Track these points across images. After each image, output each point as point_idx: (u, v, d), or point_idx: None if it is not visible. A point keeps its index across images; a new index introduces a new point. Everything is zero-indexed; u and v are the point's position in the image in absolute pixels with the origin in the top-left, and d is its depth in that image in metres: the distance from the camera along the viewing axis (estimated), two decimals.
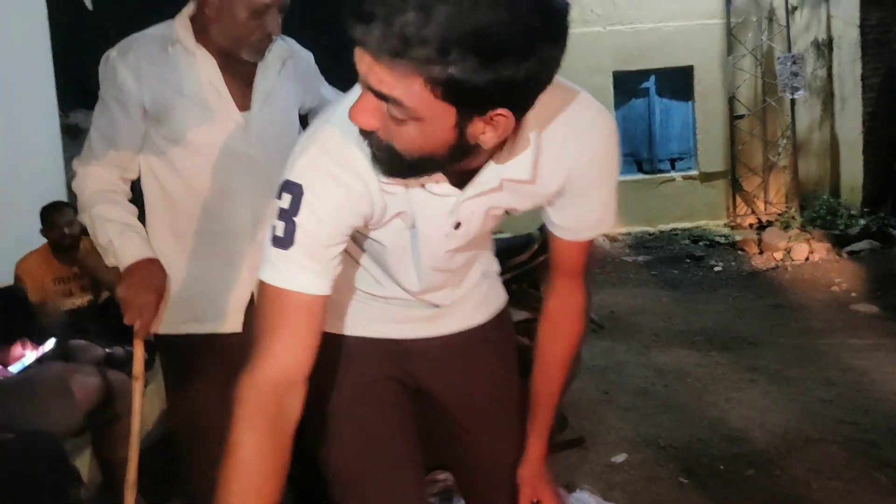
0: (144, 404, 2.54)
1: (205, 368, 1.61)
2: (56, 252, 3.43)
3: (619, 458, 2.83)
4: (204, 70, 1.56)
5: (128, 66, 1.51)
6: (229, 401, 1.39)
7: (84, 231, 3.56)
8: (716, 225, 8.75)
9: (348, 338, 1.24)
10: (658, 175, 9.17)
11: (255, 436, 0.92)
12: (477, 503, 1.42)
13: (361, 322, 1.24)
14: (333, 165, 0.98)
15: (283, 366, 0.96)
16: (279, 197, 0.98)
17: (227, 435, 0.94)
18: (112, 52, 1.54)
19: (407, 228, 1.08)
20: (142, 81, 1.52)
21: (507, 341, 1.38)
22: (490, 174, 0.99)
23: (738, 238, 7.45)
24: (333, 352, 1.21)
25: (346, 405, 1.21)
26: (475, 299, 1.30)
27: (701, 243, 7.71)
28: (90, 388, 2.15)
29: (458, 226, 1.07)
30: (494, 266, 1.35)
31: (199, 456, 1.61)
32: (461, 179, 1.00)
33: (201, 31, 1.55)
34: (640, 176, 9.19)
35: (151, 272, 1.52)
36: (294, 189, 0.96)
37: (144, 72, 1.52)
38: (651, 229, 8.66)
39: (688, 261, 6.91)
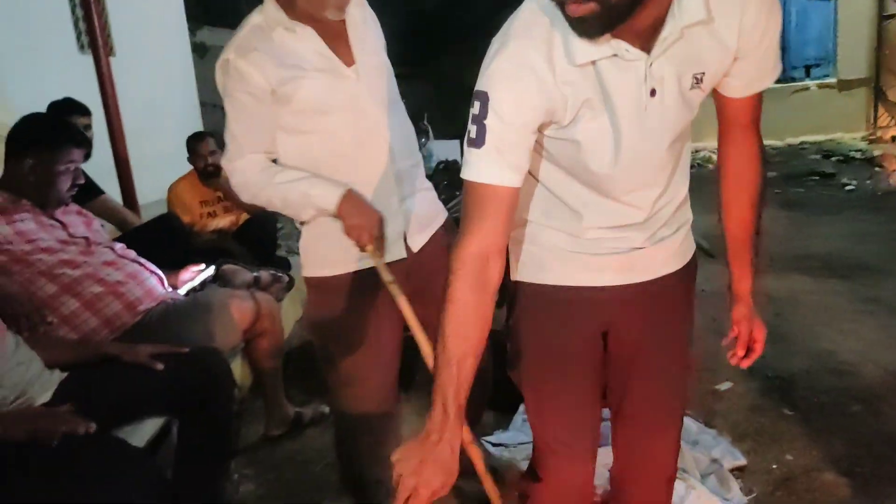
0: (282, 317, 2.88)
1: (358, 302, 1.79)
2: (201, 177, 3.79)
3: (724, 386, 2.91)
4: (308, 42, 1.70)
5: (249, 62, 1.66)
6: (375, 328, 1.56)
7: None
8: (852, 138, 8.18)
9: (554, 289, 1.36)
10: (790, 83, 8.59)
11: (467, 291, 1.15)
12: (626, 461, 1.53)
13: (565, 274, 1.35)
14: (512, 70, 1.13)
15: (484, 242, 1.16)
16: (472, 105, 1.16)
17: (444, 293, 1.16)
18: (229, 56, 1.68)
19: (599, 116, 1.17)
20: (265, 72, 1.66)
21: (691, 291, 1.48)
22: (669, 27, 1.10)
23: (876, 153, 6.96)
24: (541, 304, 1.36)
25: (556, 366, 1.38)
26: (672, 247, 1.37)
27: (832, 158, 7.26)
28: (245, 311, 2.46)
29: (653, 92, 1.16)
30: (690, 215, 1.43)
31: (342, 374, 1.85)
32: (646, 45, 1.12)
33: (288, 6, 1.69)
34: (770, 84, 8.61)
35: (359, 199, 1.70)
36: (481, 97, 1.14)
37: (263, 62, 1.66)
38: (776, 143, 8.21)
39: (815, 178, 6.56)
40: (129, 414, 2.05)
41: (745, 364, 1.50)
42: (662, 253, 1.35)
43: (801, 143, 8.21)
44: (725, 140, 1.37)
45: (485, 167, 1.15)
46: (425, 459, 1.09)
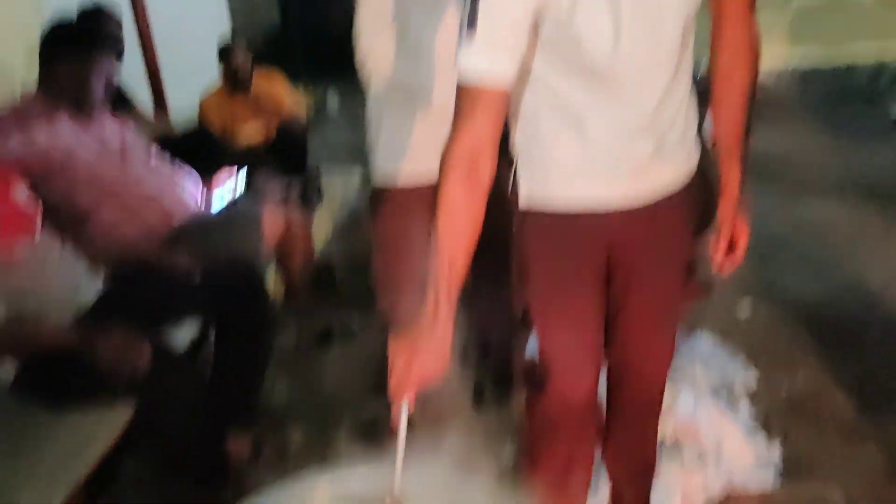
0: (313, 229, 2.97)
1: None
2: (232, 89, 3.81)
3: (744, 307, 2.94)
4: None
5: None
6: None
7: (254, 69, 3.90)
8: None
9: (561, 217, 1.38)
10: None
11: (458, 189, 1.18)
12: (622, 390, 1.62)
13: (571, 197, 1.36)
14: None
15: (475, 140, 1.17)
16: None
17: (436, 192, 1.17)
18: None
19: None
20: None
21: (692, 209, 1.49)
22: None
23: None
24: (548, 232, 1.39)
25: (561, 290, 1.43)
26: (678, 157, 1.37)
27: (884, 78, 6.91)
28: (277, 223, 2.54)
29: None
30: (695, 120, 1.41)
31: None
32: None
33: None
34: None
35: None
36: None
37: None
38: (823, 59, 7.83)
39: (863, 99, 6.28)
40: (167, 319, 2.18)
41: (725, 272, 1.50)
42: (669, 166, 1.36)
43: (853, 60, 7.81)
44: (718, 34, 1.36)
45: (476, 61, 1.15)
46: (416, 349, 1.14)
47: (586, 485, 1.68)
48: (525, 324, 1.55)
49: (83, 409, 1.85)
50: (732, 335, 2.70)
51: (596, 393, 1.57)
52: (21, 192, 2.06)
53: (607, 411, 1.71)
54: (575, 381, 1.51)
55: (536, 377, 1.55)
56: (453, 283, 1.17)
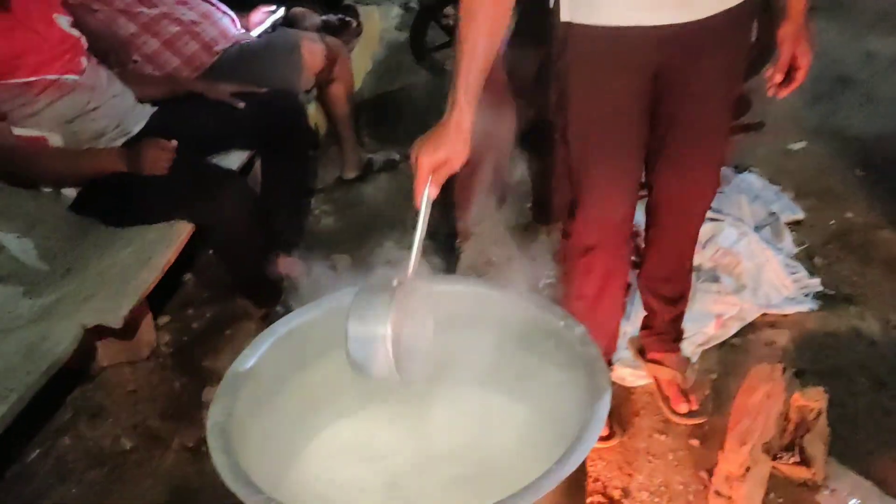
0: (353, 65, 2.92)
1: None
2: None
3: (798, 145, 2.85)
4: None
5: None
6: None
7: None
8: None
9: (607, 30, 1.30)
10: None
11: None
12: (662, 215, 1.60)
13: (618, 12, 1.29)
14: None
15: None
16: None
17: None
18: None
19: None
20: None
21: (748, 36, 1.42)
22: None
23: None
24: (593, 47, 1.33)
25: (606, 109, 1.39)
26: None
27: None
28: (316, 52, 2.50)
29: None
30: None
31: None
32: None
33: None
34: None
35: None
36: None
37: None
38: None
39: None
40: (214, 147, 2.23)
41: (782, 93, 1.45)
42: None
43: None
44: None
45: None
46: (434, 136, 1.15)
47: (619, 308, 1.73)
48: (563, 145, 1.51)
49: (143, 226, 1.95)
50: (784, 173, 2.64)
51: (631, 220, 1.57)
52: (64, 21, 2.05)
53: (645, 239, 1.72)
54: (610, 208, 1.51)
55: (573, 201, 1.56)
56: (472, 72, 1.15)
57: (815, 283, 2.08)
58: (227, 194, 1.96)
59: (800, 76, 1.44)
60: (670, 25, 1.29)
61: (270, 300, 2.15)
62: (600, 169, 1.47)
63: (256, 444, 1.16)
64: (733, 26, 1.35)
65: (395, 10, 4.31)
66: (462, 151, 1.15)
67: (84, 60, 2.03)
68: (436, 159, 1.14)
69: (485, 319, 1.31)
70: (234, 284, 2.22)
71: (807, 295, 2.05)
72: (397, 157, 3.01)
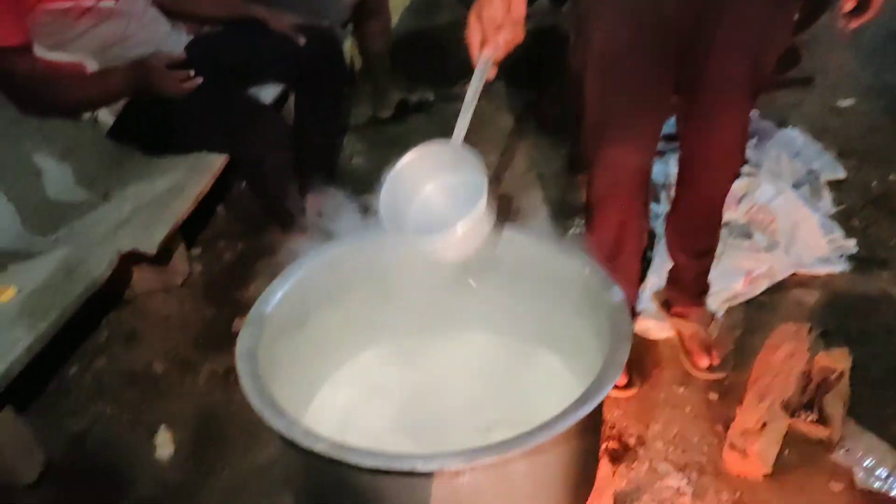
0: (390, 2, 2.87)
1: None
2: None
3: (846, 102, 2.76)
4: None
5: None
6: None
7: None
8: None
9: None
10: None
11: None
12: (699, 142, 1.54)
13: None
14: None
15: None
16: None
17: None
18: None
19: None
20: None
21: None
22: None
23: None
24: None
25: (628, 46, 1.35)
26: None
27: None
28: None
29: None
30: None
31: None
32: None
33: None
34: None
35: None
36: None
37: None
38: None
39: None
40: (249, 79, 2.22)
41: (854, 24, 1.31)
42: None
43: None
44: None
45: None
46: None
47: (637, 259, 1.71)
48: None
49: (177, 156, 1.97)
50: (828, 130, 2.57)
51: (646, 171, 1.55)
52: None
53: (675, 191, 1.70)
54: (623, 158, 1.48)
55: (589, 150, 1.53)
56: None
57: (850, 245, 2.04)
58: (261, 127, 1.96)
59: (876, 4, 1.29)
60: None
61: (301, 232, 2.18)
62: (615, 118, 1.45)
63: (282, 372, 1.20)
64: None
65: None
66: (515, 29, 1.10)
67: None
68: (491, 13, 1.09)
69: (508, 264, 1.31)
70: (266, 215, 2.25)
71: (840, 256, 2.02)
72: (432, 97, 2.98)
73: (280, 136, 2.02)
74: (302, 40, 2.11)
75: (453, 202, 1.19)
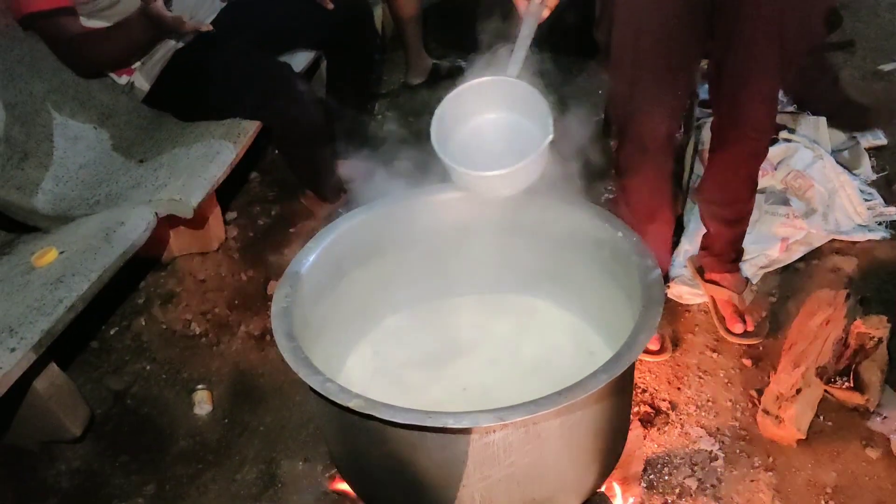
0: None
1: None
2: None
3: (888, 66, 2.67)
4: None
5: None
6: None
7: None
8: None
9: None
10: None
11: None
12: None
13: None
14: None
15: None
16: None
17: None
18: None
19: None
20: None
21: None
22: None
23: None
24: None
25: (656, 14, 1.34)
26: None
27: None
28: None
29: None
30: None
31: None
32: None
33: None
34: None
35: None
36: None
37: None
38: None
39: None
40: (281, 45, 2.22)
41: None
42: None
43: None
44: None
45: None
46: None
47: (670, 221, 1.71)
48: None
49: (212, 122, 1.99)
50: (870, 94, 2.49)
51: (673, 137, 1.54)
52: None
53: (709, 157, 1.67)
54: (652, 125, 1.47)
55: (618, 117, 1.52)
56: None
57: (892, 212, 2.00)
58: (293, 94, 1.97)
59: None
60: None
61: (333, 197, 2.20)
62: (642, 88, 1.43)
63: (316, 332, 1.22)
64: None
65: None
66: None
67: None
68: None
69: (542, 227, 1.31)
70: (299, 181, 2.27)
71: (881, 223, 1.98)
72: (464, 63, 2.95)
73: (312, 102, 2.02)
74: (330, 5, 2.10)
75: (505, 138, 1.21)
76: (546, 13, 1.18)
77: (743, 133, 1.53)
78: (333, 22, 2.19)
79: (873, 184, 2.10)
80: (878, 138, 2.28)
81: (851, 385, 1.52)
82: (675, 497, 1.42)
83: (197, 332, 1.96)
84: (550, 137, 1.13)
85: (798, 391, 1.50)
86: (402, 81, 2.94)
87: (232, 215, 2.36)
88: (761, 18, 1.34)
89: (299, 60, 2.25)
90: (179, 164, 1.85)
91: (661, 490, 1.43)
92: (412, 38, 2.84)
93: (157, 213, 1.73)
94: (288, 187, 2.40)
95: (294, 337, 1.09)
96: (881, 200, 2.03)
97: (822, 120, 2.24)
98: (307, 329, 1.17)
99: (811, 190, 2.01)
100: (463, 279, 1.44)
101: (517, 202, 1.35)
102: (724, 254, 1.78)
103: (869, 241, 1.93)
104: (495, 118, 1.23)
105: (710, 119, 1.67)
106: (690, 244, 1.91)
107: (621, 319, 1.13)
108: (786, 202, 2.00)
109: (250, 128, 1.97)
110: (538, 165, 1.18)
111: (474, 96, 1.20)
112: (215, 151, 1.87)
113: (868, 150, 2.22)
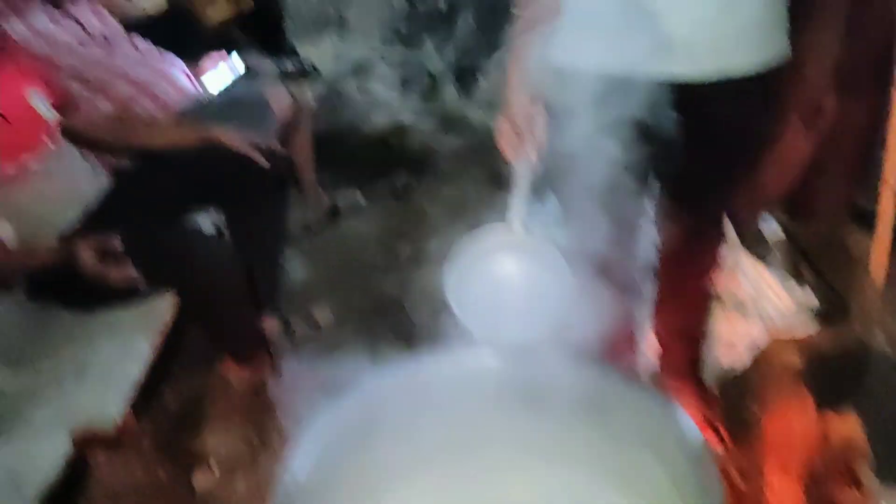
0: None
1: None
2: None
3: None
4: None
5: None
6: None
7: None
8: None
9: None
10: None
11: None
12: None
13: None
14: None
15: None
16: None
17: None
18: None
19: None
20: None
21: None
22: None
23: None
24: None
25: None
26: None
27: None
28: (283, 102, 2.36)
29: None
30: None
31: None
32: None
33: None
34: None
35: None
36: None
37: None
38: None
39: None
40: (181, 209, 2.06)
41: None
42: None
43: None
44: None
45: None
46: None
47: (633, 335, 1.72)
48: None
49: (119, 307, 1.77)
50: None
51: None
52: (36, 98, 1.85)
53: (660, 284, 1.69)
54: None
55: None
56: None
57: (811, 299, 2.09)
58: (208, 257, 1.82)
59: None
60: None
61: (257, 362, 2.02)
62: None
63: None
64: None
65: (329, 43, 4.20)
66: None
67: (53, 139, 1.85)
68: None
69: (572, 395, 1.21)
70: (216, 348, 2.07)
71: (806, 311, 2.06)
72: (362, 200, 2.92)
73: (228, 262, 1.87)
74: (265, 164, 1.98)
75: (523, 294, 1.15)
76: (535, 156, 1.15)
77: (699, 246, 1.55)
78: (249, 176, 2.06)
79: (786, 271, 2.20)
80: (771, 225, 2.41)
81: (850, 484, 1.50)
82: None
83: None
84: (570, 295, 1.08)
85: None
86: (304, 225, 2.83)
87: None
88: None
89: (207, 222, 2.10)
90: (87, 367, 1.60)
91: None
92: (309, 180, 2.77)
93: (71, 436, 1.46)
94: (197, 360, 2.16)
95: None
96: (797, 284, 2.13)
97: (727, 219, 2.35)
98: None
99: (739, 287, 2.07)
100: (476, 447, 1.29)
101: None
102: (684, 368, 1.77)
103: (803, 327, 2.00)
104: (511, 270, 1.17)
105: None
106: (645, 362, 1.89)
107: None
108: (720, 303, 2.04)
109: (166, 311, 1.76)
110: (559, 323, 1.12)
111: (486, 248, 1.16)
112: (130, 346, 1.64)
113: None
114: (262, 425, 1.96)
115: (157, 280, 1.80)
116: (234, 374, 2.09)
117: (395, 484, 1.26)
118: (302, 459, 1.07)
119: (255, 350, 2.04)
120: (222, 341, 2.05)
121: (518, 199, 1.13)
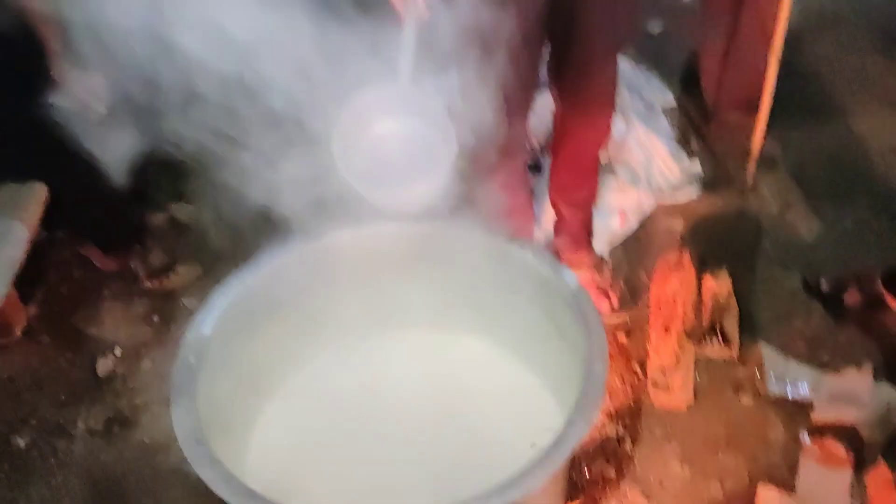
0: None
1: None
2: None
3: (655, 26, 2.90)
4: None
5: None
6: None
7: None
8: None
9: None
10: None
11: None
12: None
13: None
14: None
15: None
16: None
17: None
18: None
19: None
20: None
21: None
22: None
23: None
24: None
25: None
26: None
27: None
28: None
29: None
30: None
31: None
32: None
33: None
34: None
35: None
36: None
37: None
38: None
39: None
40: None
41: None
42: None
43: None
44: None
45: None
46: None
47: (531, 216, 1.78)
48: None
49: None
50: (645, 54, 2.68)
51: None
52: None
53: (556, 145, 1.71)
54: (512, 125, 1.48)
55: None
56: None
57: (697, 169, 2.18)
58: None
59: None
60: None
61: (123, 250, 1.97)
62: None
63: (224, 397, 1.06)
64: None
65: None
66: None
67: None
68: None
69: (451, 256, 1.24)
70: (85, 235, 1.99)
71: (692, 180, 2.15)
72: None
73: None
74: None
75: (408, 149, 1.14)
76: (427, 13, 1.10)
77: (588, 119, 1.57)
78: None
79: (676, 142, 2.27)
80: (667, 96, 2.46)
81: (721, 341, 1.65)
82: (599, 490, 1.46)
83: (22, 446, 1.63)
84: (456, 152, 1.08)
85: (678, 358, 1.60)
86: None
87: (25, 288, 1.98)
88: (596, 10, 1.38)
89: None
90: None
91: (584, 485, 1.46)
92: None
93: None
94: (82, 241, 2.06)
95: (217, 463, 0.92)
96: (686, 155, 2.21)
97: (623, 90, 2.37)
98: (214, 397, 1.01)
99: (631, 158, 2.13)
100: (374, 317, 1.33)
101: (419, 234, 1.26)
102: (578, 235, 1.84)
103: (689, 195, 2.10)
104: (396, 127, 1.15)
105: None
106: (542, 231, 1.95)
107: (546, 343, 1.11)
108: (613, 172, 2.10)
109: (41, 193, 1.64)
110: (445, 180, 1.12)
111: (372, 105, 1.13)
112: (5, 228, 1.53)
113: (664, 110, 2.40)
114: (162, 305, 1.93)
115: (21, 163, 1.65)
116: (100, 261, 2.01)
117: (299, 361, 1.29)
118: (208, 317, 1.07)
119: (124, 242, 1.98)
120: (85, 229, 1.96)
121: (406, 53, 1.08)
